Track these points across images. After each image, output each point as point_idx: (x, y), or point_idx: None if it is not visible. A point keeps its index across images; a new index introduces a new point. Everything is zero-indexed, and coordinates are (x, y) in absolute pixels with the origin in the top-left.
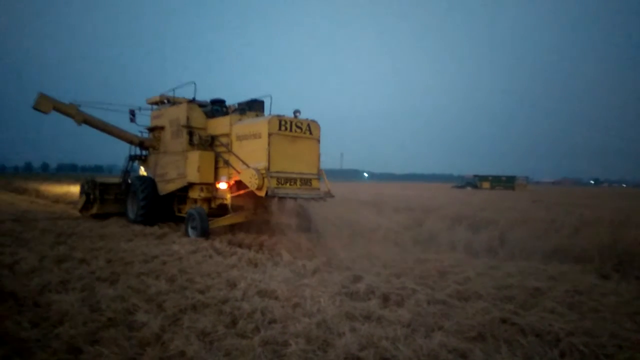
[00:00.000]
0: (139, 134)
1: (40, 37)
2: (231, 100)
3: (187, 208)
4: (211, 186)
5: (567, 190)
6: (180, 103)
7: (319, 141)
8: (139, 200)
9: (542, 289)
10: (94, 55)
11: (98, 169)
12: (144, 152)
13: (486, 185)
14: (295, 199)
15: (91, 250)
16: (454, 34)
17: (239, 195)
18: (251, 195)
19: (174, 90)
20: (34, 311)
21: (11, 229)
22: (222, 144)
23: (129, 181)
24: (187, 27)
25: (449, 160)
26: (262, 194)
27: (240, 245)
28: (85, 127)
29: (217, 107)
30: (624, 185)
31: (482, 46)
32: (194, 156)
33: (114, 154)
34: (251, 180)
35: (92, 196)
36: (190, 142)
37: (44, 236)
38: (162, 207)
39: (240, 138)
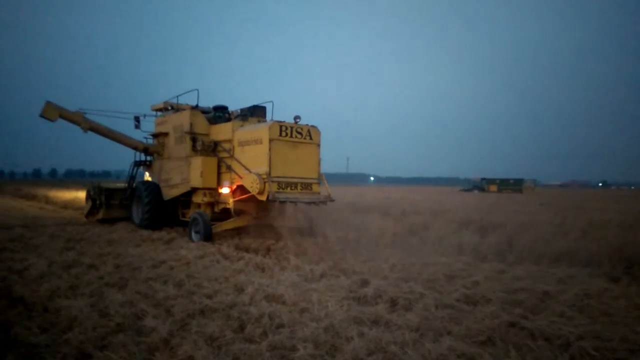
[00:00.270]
0: (144, 140)
1: (47, 46)
2: (234, 106)
3: (191, 212)
4: (214, 191)
5: (575, 192)
6: (183, 110)
7: (319, 146)
8: (143, 205)
9: (551, 293)
10: (101, 62)
11: (106, 174)
12: (148, 158)
13: (493, 188)
14: (295, 203)
15: (100, 255)
16: (460, 36)
17: (241, 200)
18: (253, 199)
19: (177, 97)
20: (44, 316)
21: (21, 234)
22: (224, 150)
23: (134, 186)
24: (194, 33)
25: (456, 163)
26: (263, 198)
27: (247, 250)
28: (91, 134)
29: (219, 114)
30: (632, 188)
31: (489, 48)
32: (197, 162)
33: (121, 160)
34: (253, 185)
35: (98, 201)
36: (194, 148)
37: (53, 242)
38: (166, 212)
39: (242, 144)
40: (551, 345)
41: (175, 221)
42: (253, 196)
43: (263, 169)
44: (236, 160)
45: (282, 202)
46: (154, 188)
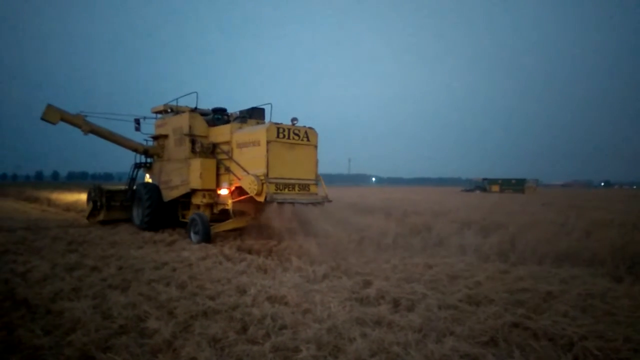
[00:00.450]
0: (144, 143)
1: (50, 49)
2: (235, 108)
3: (191, 214)
4: (213, 192)
5: (578, 192)
6: (183, 112)
7: (316, 147)
8: (144, 207)
9: (554, 293)
10: (102, 64)
11: (108, 176)
12: (149, 160)
13: (495, 188)
14: (293, 203)
15: (102, 257)
16: (461, 36)
17: (240, 201)
18: (252, 200)
19: (177, 99)
20: (47, 319)
21: (23, 237)
22: (223, 152)
23: (135, 188)
24: (195, 33)
25: (458, 163)
26: (261, 199)
27: (249, 252)
28: (92, 136)
29: (218, 116)
30: (635, 187)
31: (491, 48)
32: (196, 163)
33: (123, 162)
34: (250, 186)
35: (99, 203)
36: (193, 150)
37: (56, 244)
38: (166, 213)
39: (240, 145)
40: (554, 346)
41: (176, 222)
42: (251, 197)
43: (261, 170)
44: (234, 161)
45: (280, 203)
46: (154, 190)
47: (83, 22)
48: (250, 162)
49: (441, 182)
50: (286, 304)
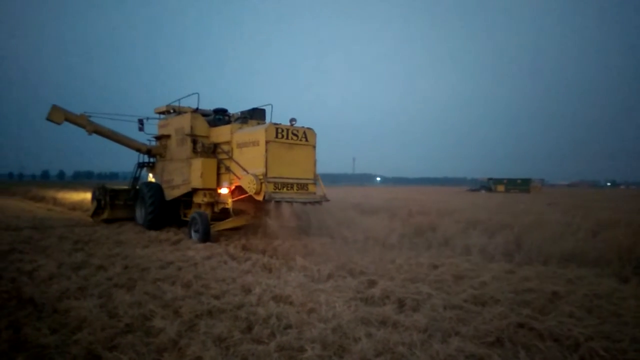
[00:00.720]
0: (148, 143)
1: (55, 49)
2: (238, 108)
3: (192, 212)
4: (214, 191)
5: (583, 192)
6: (185, 113)
7: (314, 147)
8: (146, 206)
9: (560, 293)
10: (106, 65)
11: (113, 176)
12: (152, 160)
13: (501, 188)
14: (291, 202)
15: (108, 256)
16: (466, 35)
17: (239, 200)
18: (251, 199)
19: (179, 100)
20: (53, 317)
21: (29, 236)
22: (223, 151)
23: (138, 187)
24: (198, 35)
25: (463, 163)
26: (260, 198)
27: (254, 251)
28: (97, 136)
29: (219, 116)
30: None
31: (496, 47)
32: (197, 163)
33: (128, 162)
34: (250, 186)
35: (103, 202)
36: (194, 150)
37: (62, 243)
38: (169, 212)
39: (240, 145)
40: (560, 346)
41: (178, 221)
42: (251, 196)
43: (260, 169)
44: (235, 161)
45: (278, 202)
46: (156, 189)
47: (89, 23)
48: (249, 162)
49: (446, 181)
50: (291, 303)
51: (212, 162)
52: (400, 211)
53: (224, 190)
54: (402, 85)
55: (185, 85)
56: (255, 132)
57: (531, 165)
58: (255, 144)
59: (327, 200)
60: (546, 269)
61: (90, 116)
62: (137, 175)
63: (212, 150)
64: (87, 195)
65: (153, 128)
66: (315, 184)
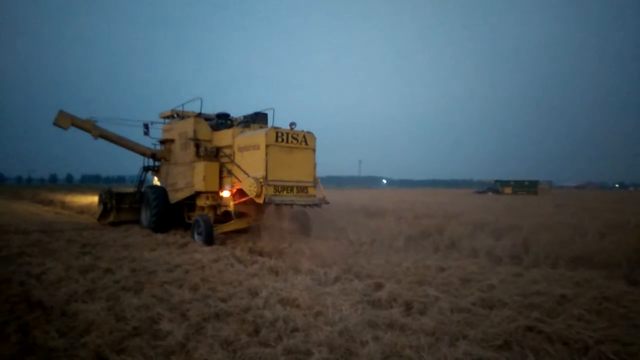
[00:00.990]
0: (152, 147)
1: (63, 53)
2: (241, 112)
3: (196, 215)
4: (216, 194)
5: (592, 194)
6: (188, 117)
7: (314, 151)
8: (151, 209)
9: (569, 296)
10: (111, 70)
11: (121, 179)
12: (156, 163)
13: (508, 190)
14: (291, 205)
15: (116, 259)
16: (474, 35)
17: (241, 203)
18: (253, 202)
19: (182, 105)
20: (61, 320)
21: (38, 239)
22: (225, 155)
23: (143, 191)
24: (203, 39)
25: (470, 165)
26: (260, 201)
27: (260, 254)
28: (103, 140)
29: (221, 121)
30: None
31: (501, 47)
32: (200, 166)
33: (135, 166)
34: (250, 189)
35: (109, 205)
36: (197, 154)
37: (70, 246)
38: (173, 215)
39: (241, 149)
40: (569, 350)
41: (184, 224)
42: (252, 199)
43: (260, 173)
44: (236, 165)
45: (278, 205)
46: (161, 192)
47: (99, 28)
48: (250, 165)
49: (453, 184)
50: (298, 306)
51: (214, 166)
52: (406, 213)
53: (226, 193)
54: (409, 87)
55: (192, 89)
56: (256, 136)
57: (538, 167)
58: (255, 147)
59: (327, 203)
60: (554, 271)
61: (96, 121)
62: (142, 178)
63: (215, 154)
64: (95, 199)
65: (158, 132)
66: (315, 186)
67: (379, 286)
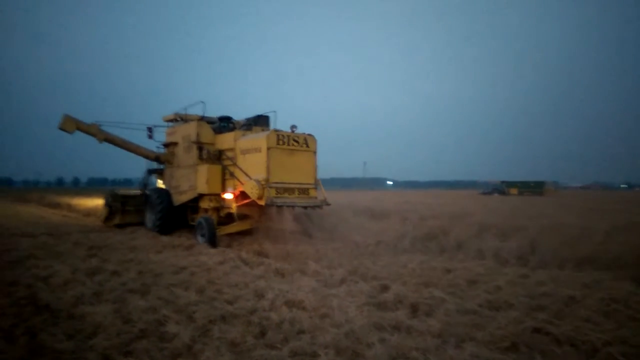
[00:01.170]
0: (156, 150)
1: (70, 58)
2: (246, 113)
3: (199, 217)
4: (219, 196)
5: (598, 194)
6: (191, 120)
7: (315, 153)
8: (155, 211)
9: (576, 297)
10: (118, 75)
11: (127, 182)
12: (160, 166)
13: (514, 191)
14: (292, 207)
15: (122, 262)
16: (477, 37)
17: (243, 205)
18: (255, 204)
19: (186, 108)
20: (69, 323)
21: (45, 242)
22: (228, 158)
23: (147, 193)
24: (208, 43)
25: (474, 166)
26: (262, 203)
27: (266, 256)
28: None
29: (224, 124)
30: None
31: (505, 47)
32: (203, 169)
33: (142, 168)
34: (252, 191)
35: (114, 208)
36: (200, 157)
37: (77, 249)
38: (177, 217)
39: (243, 152)
40: (577, 351)
41: (189, 226)
42: (254, 201)
43: (262, 175)
44: (238, 167)
45: (280, 206)
46: (164, 194)
47: (106, 32)
48: (252, 168)
49: (458, 185)
50: (304, 308)
51: (217, 169)
52: (411, 215)
53: (228, 196)
54: (413, 88)
55: (198, 92)
56: (258, 139)
57: (543, 167)
58: (257, 150)
59: (328, 204)
60: (561, 272)
61: (101, 125)
62: (147, 181)
63: (217, 157)
64: (101, 202)
65: (162, 135)
66: (316, 188)
67: (384, 288)
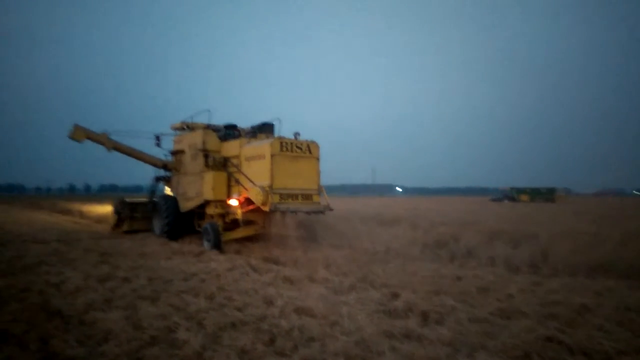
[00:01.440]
0: (164, 158)
1: (81, 67)
2: (254, 119)
3: (205, 223)
4: (225, 203)
5: (610, 201)
6: (198, 129)
7: (318, 159)
8: (162, 217)
9: (589, 306)
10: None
11: (138, 189)
12: (168, 174)
13: (525, 198)
14: (296, 212)
15: (133, 268)
16: (487, 43)
17: (248, 211)
18: (259, 210)
19: (192, 117)
20: (80, 329)
21: (56, 249)
22: (233, 165)
23: (155, 200)
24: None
25: (484, 173)
26: (266, 208)
27: (275, 262)
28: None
29: (229, 132)
30: None
31: (517, 53)
32: (209, 176)
33: (151, 175)
34: (257, 197)
35: (123, 214)
36: (206, 164)
37: (88, 255)
38: (184, 223)
39: (248, 159)
40: None
41: (194, 232)
42: (259, 207)
43: (266, 181)
44: (243, 174)
45: (284, 212)
46: (172, 201)
47: (120, 40)
48: (256, 174)
49: (468, 191)
50: (313, 315)
51: (222, 175)
52: (421, 222)
53: (233, 202)
54: (422, 94)
55: (209, 99)
56: (262, 146)
57: (554, 174)
58: (261, 157)
59: (331, 210)
60: (574, 280)
61: (110, 134)
62: (155, 188)
63: (223, 164)
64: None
65: (169, 143)
66: (319, 194)
67: (394, 295)
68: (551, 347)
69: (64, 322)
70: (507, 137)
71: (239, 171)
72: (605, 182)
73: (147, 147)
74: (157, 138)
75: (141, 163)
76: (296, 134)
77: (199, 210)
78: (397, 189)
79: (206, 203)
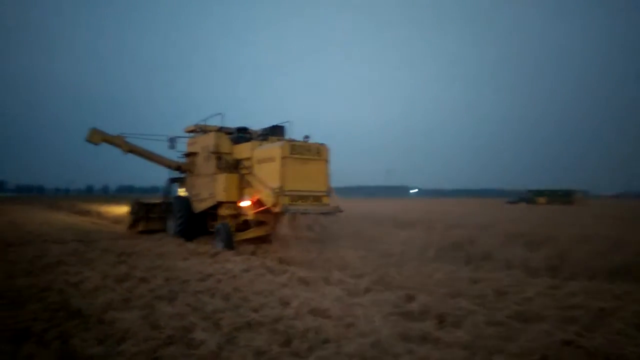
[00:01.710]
0: (177, 159)
1: (101, 72)
2: (268, 121)
3: (217, 224)
4: (236, 204)
5: (631, 203)
6: (210, 131)
7: (327, 162)
8: (176, 218)
9: (608, 310)
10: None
11: (154, 190)
12: (182, 175)
13: (542, 200)
14: (306, 214)
15: (150, 269)
16: (500, 42)
17: (259, 212)
18: (270, 211)
19: (205, 120)
20: (99, 328)
21: (75, 249)
22: (245, 167)
23: (169, 201)
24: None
25: (500, 174)
26: (277, 210)
27: (290, 264)
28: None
29: (241, 134)
30: None
31: (531, 54)
32: (222, 178)
33: (166, 177)
34: (267, 198)
35: (138, 215)
36: (219, 166)
37: (106, 256)
38: (197, 224)
39: (259, 161)
40: None
41: (207, 232)
42: (270, 208)
43: (277, 183)
44: (255, 176)
45: (294, 213)
46: (185, 202)
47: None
48: (267, 177)
49: (484, 193)
50: (329, 317)
51: (234, 177)
52: (437, 224)
53: (245, 203)
54: (437, 95)
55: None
56: (272, 149)
57: (572, 175)
58: (272, 159)
59: (340, 211)
60: (592, 284)
61: (126, 137)
62: (169, 189)
63: (235, 166)
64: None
65: (183, 146)
66: (329, 195)
67: (410, 298)
68: (569, 351)
69: (83, 321)
70: (525, 138)
71: (251, 173)
72: (625, 184)
73: (162, 149)
74: (171, 141)
75: (156, 165)
76: (306, 137)
77: (212, 211)
78: (412, 190)
79: (219, 204)
